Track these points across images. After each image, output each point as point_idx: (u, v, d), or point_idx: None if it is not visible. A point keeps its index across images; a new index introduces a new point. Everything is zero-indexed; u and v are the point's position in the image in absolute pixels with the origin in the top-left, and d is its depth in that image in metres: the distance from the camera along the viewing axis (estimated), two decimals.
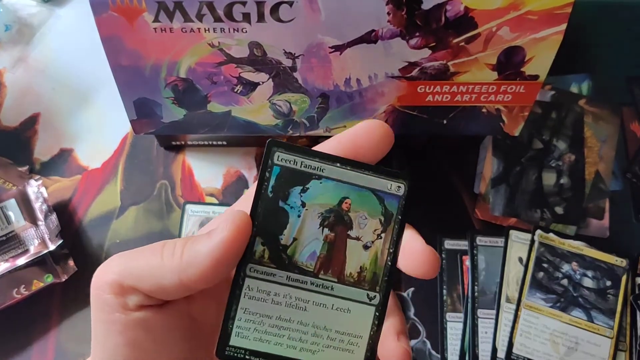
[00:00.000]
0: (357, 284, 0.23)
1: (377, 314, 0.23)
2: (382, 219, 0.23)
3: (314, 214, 0.23)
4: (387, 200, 0.23)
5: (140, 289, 0.22)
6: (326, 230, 0.23)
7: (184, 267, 0.21)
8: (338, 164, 0.23)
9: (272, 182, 0.23)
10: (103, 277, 0.23)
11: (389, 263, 0.23)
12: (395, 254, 0.23)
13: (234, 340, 0.23)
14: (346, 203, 0.23)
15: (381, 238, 0.23)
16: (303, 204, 0.23)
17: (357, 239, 0.23)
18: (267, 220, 0.23)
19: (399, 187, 0.23)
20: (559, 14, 0.35)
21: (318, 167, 0.23)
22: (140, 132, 0.43)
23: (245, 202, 0.24)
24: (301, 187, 0.23)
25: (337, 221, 0.23)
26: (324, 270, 0.23)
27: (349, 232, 0.23)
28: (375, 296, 0.23)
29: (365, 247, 0.23)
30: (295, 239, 0.23)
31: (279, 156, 0.23)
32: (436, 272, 0.23)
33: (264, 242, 0.23)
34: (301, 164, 0.23)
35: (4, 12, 0.54)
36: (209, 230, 0.22)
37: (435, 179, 0.51)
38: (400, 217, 0.23)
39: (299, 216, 0.23)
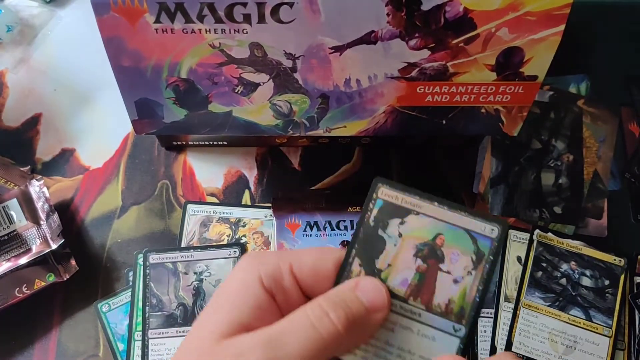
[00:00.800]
0: (445, 314, 0.24)
1: (461, 346, 0.24)
2: (474, 257, 0.24)
3: (409, 245, 0.25)
4: (480, 241, 0.24)
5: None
6: (419, 261, 0.25)
7: (350, 335, 0.23)
8: (436, 203, 0.25)
9: (374, 212, 0.25)
10: None
11: (477, 300, 0.24)
12: (484, 292, 0.24)
13: None
14: (440, 239, 0.25)
15: (471, 275, 0.24)
16: (400, 235, 0.25)
17: (448, 272, 0.24)
18: (366, 245, 0.25)
19: (493, 229, 0.24)
20: (558, 14, 0.35)
21: (417, 204, 0.25)
22: (141, 132, 0.43)
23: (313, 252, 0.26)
24: (400, 220, 0.25)
25: (431, 254, 0.25)
26: (413, 297, 0.24)
27: (440, 266, 0.25)
28: (460, 328, 0.24)
29: (455, 282, 0.24)
30: (389, 265, 0.25)
31: (383, 191, 0.25)
32: None
33: (361, 263, 0.25)
34: (402, 199, 0.25)
35: (5, 13, 0.55)
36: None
37: (434, 178, 0.52)
38: (492, 258, 0.24)
39: (395, 245, 0.25)
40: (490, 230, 0.24)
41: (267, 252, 0.26)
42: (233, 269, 0.26)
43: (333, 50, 0.37)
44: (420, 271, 0.24)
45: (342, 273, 0.25)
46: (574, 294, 0.46)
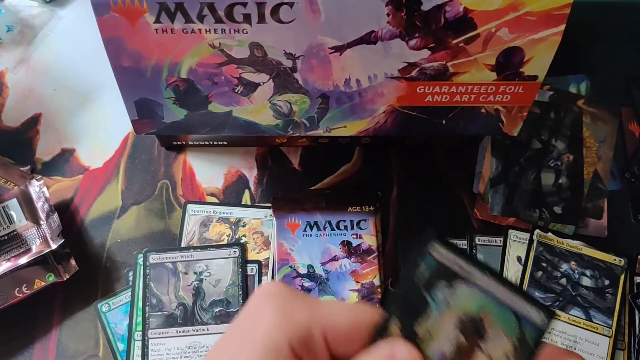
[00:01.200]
0: None
1: None
2: (516, 342, 0.23)
3: (453, 315, 0.24)
4: (524, 326, 0.23)
5: None
6: (460, 335, 0.23)
7: None
8: (488, 274, 0.23)
9: (421, 268, 0.24)
10: None
11: None
12: None
13: None
14: (485, 314, 0.24)
15: None
16: (447, 303, 0.24)
17: (487, 354, 0.23)
18: (407, 304, 0.24)
19: (540, 316, 0.23)
20: (558, 14, 0.35)
21: (467, 270, 0.24)
22: (141, 132, 0.43)
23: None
24: (447, 283, 0.24)
25: (473, 330, 0.23)
26: None
27: (480, 344, 0.23)
28: None
29: None
30: (429, 333, 0.24)
31: (435, 248, 0.24)
32: None
33: (399, 325, 0.24)
34: (452, 261, 0.24)
35: (5, 13, 0.55)
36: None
37: (434, 178, 0.52)
38: (534, 347, 0.23)
39: (439, 312, 0.24)
40: (536, 315, 0.23)
41: (295, 306, 0.24)
42: (256, 315, 0.25)
43: (333, 50, 0.37)
44: (459, 346, 0.23)
45: (379, 332, 0.24)
46: (574, 294, 0.46)
